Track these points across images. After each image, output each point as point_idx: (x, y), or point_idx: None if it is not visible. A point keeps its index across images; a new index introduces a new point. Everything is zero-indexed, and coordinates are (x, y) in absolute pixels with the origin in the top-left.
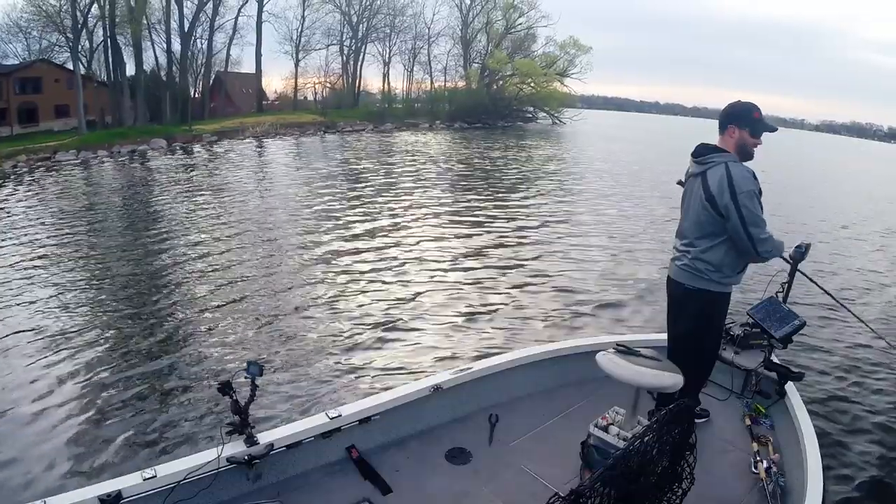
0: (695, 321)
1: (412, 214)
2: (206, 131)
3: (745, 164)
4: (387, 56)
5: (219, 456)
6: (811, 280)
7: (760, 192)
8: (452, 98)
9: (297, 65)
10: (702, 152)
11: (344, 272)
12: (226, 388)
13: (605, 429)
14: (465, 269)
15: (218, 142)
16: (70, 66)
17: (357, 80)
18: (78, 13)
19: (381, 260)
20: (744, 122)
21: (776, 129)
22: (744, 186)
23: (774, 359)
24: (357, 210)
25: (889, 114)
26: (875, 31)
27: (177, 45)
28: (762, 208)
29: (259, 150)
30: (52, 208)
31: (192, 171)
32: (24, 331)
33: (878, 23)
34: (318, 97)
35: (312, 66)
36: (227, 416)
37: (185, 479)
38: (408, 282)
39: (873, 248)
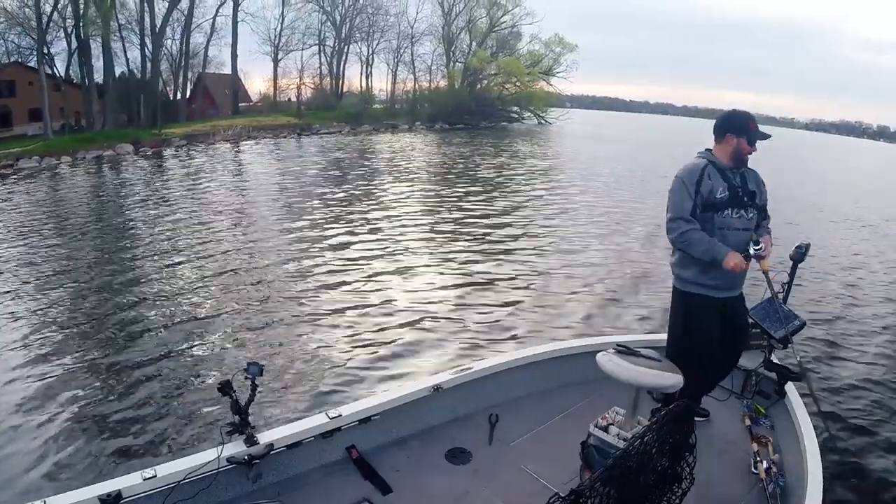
0: (673, 319)
1: (399, 217)
2: (176, 135)
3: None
4: (368, 56)
5: (219, 456)
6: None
7: (697, 182)
8: (433, 98)
9: (276, 66)
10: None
11: (333, 275)
12: (226, 388)
13: (605, 429)
14: (461, 271)
15: (187, 146)
16: (45, 68)
17: (340, 81)
18: (45, 12)
19: (371, 264)
20: (741, 131)
21: (769, 137)
22: (679, 174)
23: (774, 359)
24: (339, 215)
25: (878, 112)
26: (866, 30)
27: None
28: (690, 199)
29: (228, 154)
30: (20, 217)
31: (157, 177)
32: (15, 338)
33: (869, 22)
34: (300, 98)
35: (295, 66)
36: (227, 416)
37: (185, 479)
38: (403, 282)
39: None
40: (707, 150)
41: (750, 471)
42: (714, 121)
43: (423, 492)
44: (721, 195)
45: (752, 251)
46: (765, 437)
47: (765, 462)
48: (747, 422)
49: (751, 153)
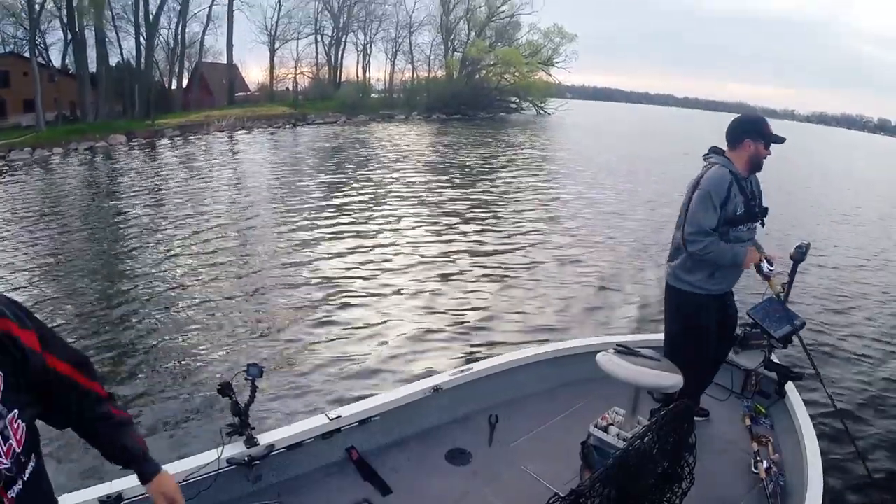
0: (670, 319)
1: (397, 213)
2: (169, 126)
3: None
4: (366, 45)
5: (219, 457)
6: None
7: (724, 199)
8: (430, 88)
9: (272, 55)
10: (708, 153)
11: (333, 275)
12: (226, 389)
13: (605, 429)
14: (461, 270)
15: (181, 136)
16: (39, 59)
17: (337, 70)
18: (38, 1)
19: (369, 263)
20: (759, 135)
21: (784, 140)
22: (705, 185)
23: (774, 359)
24: (335, 212)
25: (880, 106)
26: (868, 22)
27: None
28: (715, 215)
29: (221, 146)
30: (8, 213)
31: (148, 169)
32: None
33: (872, 14)
34: (297, 88)
35: (292, 56)
36: (227, 418)
37: (185, 480)
38: (404, 282)
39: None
40: (715, 150)
41: (750, 470)
42: (705, 109)
43: (423, 493)
44: (740, 211)
45: (765, 269)
46: (765, 437)
47: (765, 462)
48: (747, 421)
49: (766, 157)
